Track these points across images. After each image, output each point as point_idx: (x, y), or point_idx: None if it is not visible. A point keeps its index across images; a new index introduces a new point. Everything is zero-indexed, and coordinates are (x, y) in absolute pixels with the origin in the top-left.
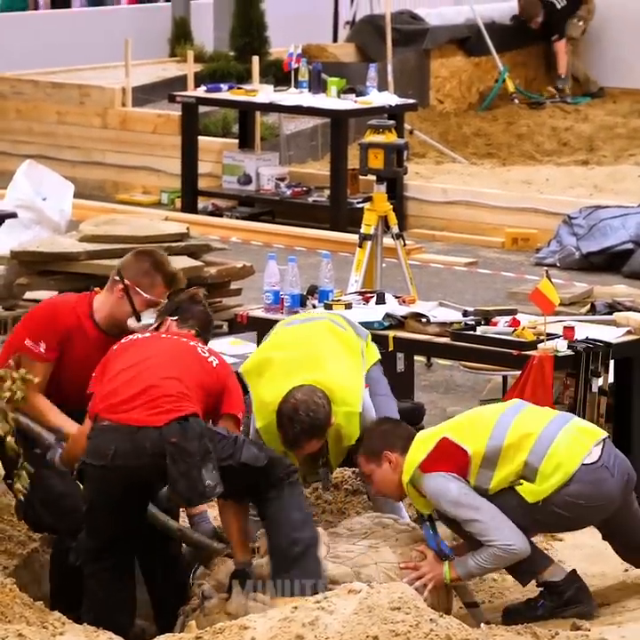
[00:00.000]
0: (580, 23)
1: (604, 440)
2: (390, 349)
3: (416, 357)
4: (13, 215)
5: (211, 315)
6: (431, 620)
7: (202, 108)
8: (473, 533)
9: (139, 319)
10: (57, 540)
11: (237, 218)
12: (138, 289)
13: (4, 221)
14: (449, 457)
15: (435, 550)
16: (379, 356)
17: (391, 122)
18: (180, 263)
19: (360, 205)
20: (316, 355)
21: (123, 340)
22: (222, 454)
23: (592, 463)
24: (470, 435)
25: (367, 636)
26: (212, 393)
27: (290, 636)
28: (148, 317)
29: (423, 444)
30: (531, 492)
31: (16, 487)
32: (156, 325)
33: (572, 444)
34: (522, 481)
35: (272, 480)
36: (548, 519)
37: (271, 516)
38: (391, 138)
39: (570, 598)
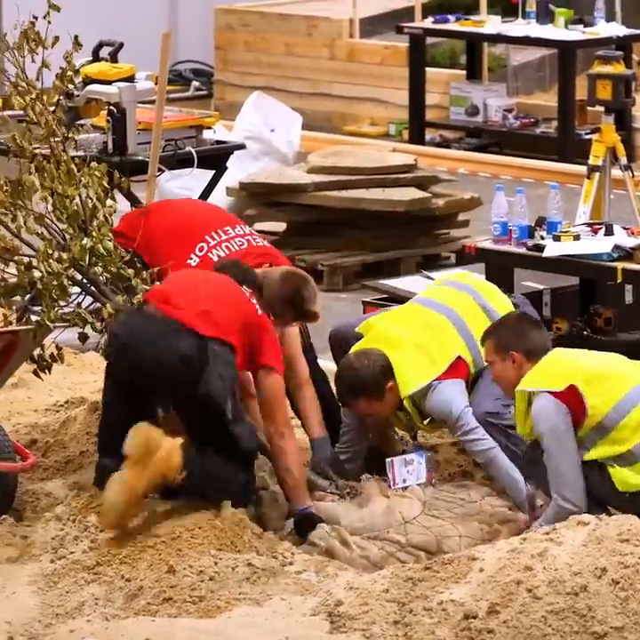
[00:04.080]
0: None
1: None
2: (619, 281)
3: None
4: (242, 146)
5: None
6: None
7: (429, 40)
8: (549, 472)
9: None
10: None
11: (465, 149)
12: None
13: (232, 153)
14: (570, 404)
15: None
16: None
17: (619, 52)
18: (407, 194)
19: (588, 137)
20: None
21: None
22: None
23: None
24: (599, 393)
25: (596, 568)
26: (248, 338)
27: (519, 568)
28: None
29: (554, 376)
30: (622, 479)
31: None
32: None
33: None
34: (615, 465)
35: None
36: (620, 509)
37: None
38: (619, 69)
39: None
